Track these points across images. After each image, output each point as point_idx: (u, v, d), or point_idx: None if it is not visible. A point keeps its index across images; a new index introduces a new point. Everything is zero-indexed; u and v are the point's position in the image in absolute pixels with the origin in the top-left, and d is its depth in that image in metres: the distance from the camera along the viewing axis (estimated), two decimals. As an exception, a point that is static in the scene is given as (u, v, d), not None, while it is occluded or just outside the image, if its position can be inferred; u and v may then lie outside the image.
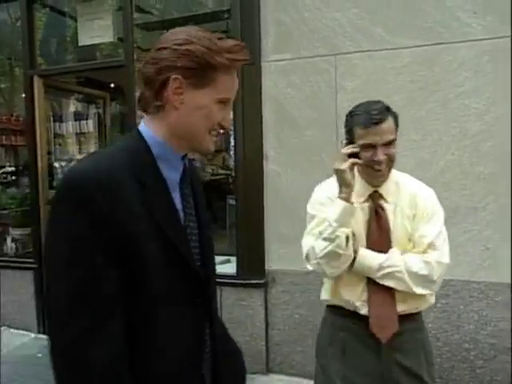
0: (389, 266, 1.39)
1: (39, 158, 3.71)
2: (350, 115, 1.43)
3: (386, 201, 1.45)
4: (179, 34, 0.90)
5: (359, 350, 1.45)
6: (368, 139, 1.36)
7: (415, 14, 2.56)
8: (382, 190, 1.46)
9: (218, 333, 1.03)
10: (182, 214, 0.95)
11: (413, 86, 2.57)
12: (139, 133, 0.94)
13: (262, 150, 2.92)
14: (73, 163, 4.44)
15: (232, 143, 3.12)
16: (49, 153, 4.03)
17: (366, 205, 1.45)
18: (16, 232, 4.09)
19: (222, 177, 4.85)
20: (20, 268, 3.75)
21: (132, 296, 0.86)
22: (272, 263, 2.93)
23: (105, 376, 0.81)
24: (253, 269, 2.95)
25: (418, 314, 1.50)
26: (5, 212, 4.30)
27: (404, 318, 1.43)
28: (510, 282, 2.41)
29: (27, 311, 3.68)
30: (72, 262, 0.81)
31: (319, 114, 2.78)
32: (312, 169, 2.75)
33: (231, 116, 1.12)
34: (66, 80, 4.32)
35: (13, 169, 4.72)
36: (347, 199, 1.37)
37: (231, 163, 4.10)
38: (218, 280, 1.10)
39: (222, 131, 0.97)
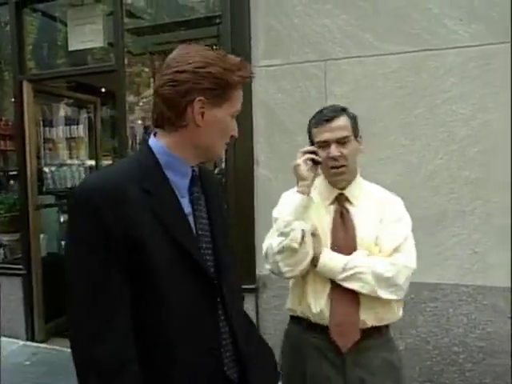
0: (352, 268, 1.34)
1: (28, 162, 3.67)
2: (310, 120, 1.50)
3: (351, 203, 1.45)
4: (192, 55, 0.94)
5: (322, 365, 1.40)
6: (321, 137, 1.42)
7: (403, 21, 2.60)
8: (348, 193, 1.46)
9: (240, 335, 1.03)
10: (191, 218, 0.99)
11: (401, 91, 2.61)
12: (148, 146, 0.99)
13: (252, 154, 2.93)
14: (63, 168, 4.41)
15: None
16: (38, 157, 3.98)
17: (332, 207, 1.46)
18: (4, 238, 4.04)
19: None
20: (8, 274, 3.70)
21: (144, 300, 0.90)
22: (263, 268, 2.90)
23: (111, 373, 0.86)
24: (244, 274, 2.94)
25: (385, 328, 1.44)
26: (-7, 217, 4.25)
27: (369, 333, 1.38)
28: (497, 285, 2.44)
29: (15, 318, 3.64)
30: (81, 268, 0.88)
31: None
32: (302, 173, 2.76)
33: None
34: (57, 85, 4.29)
35: (2, 173, 4.68)
36: (303, 192, 1.38)
37: (222, 168, 4.10)
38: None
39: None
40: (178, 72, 0.93)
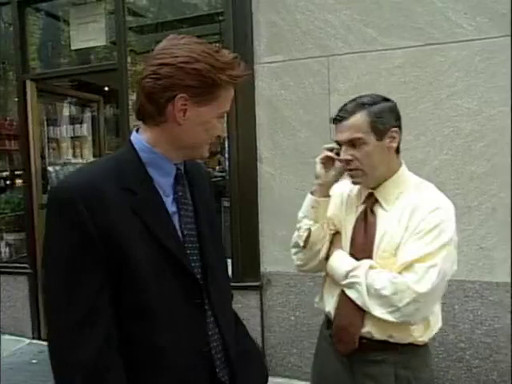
0: (353, 276, 1.24)
1: (33, 162, 3.68)
2: None
3: (381, 206, 1.31)
4: (179, 48, 0.88)
5: (330, 362, 1.37)
6: (335, 136, 1.33)
7: (406, 15, 2.57)
8: (379, 195, 1.31)
9: (229, 334, 1.02)
10: (176, 218, 0.95)
11: (405, 86, 2.58)
12: (130, 141, 0.96)
13: (256, 152, 2.92)
14: (67, 167, 4.42)
15: (226, 146, 3.12)
16: (43, 157, 4.00)
17: (361, 208, 1.35)
18: (9, 237, 4.06)
19: (216, 179, 4.85)
20: (14, 273, 3.72)
21: (127, 298, 0.87)
22: (267, 265, 2.93)
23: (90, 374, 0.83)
24: (248, 271, 2.94)
25: (408, 346, 1.27)
26: (-1, 217, 4.28)
27: (380, 347, 1.25)
28: (503, 281, 2.42)
29: (21, 317, 3.65)
30: (58, 266, 0.85)
31: (313, 115, 2.78)
32: (306, 170, 2.74)
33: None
34: (60, 84, 4.30)
35: (7, 173, 4.70)
36: (313, 191, 1.36)
37: (226, 165, 4.10)
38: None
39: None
40: (161, 64, 0.87)
